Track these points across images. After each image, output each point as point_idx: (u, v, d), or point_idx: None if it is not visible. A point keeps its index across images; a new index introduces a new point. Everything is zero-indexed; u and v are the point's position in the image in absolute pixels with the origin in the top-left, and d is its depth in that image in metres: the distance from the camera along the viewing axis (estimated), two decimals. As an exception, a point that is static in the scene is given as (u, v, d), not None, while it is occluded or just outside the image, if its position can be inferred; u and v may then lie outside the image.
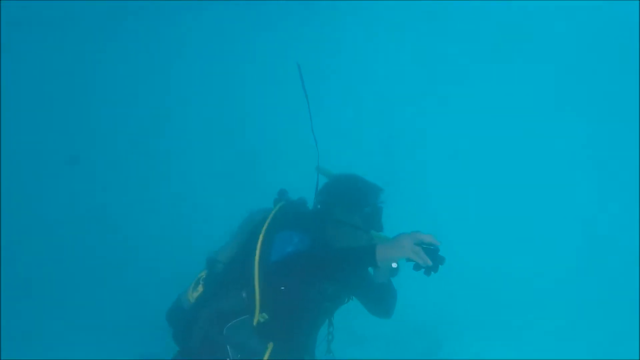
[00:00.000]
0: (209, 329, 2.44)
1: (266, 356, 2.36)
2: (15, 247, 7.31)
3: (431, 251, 1.97)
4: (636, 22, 14.47)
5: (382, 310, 2.70)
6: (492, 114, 16.63)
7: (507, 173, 16.05)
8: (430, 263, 1.95)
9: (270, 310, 2.36)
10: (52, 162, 9.96)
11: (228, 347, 2.39)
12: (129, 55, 12.05)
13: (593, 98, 16.47)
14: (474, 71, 16.55)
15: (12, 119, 9.87)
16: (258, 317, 2.36)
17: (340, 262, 2.16)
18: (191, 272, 2.79)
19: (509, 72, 16.46)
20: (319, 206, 2.59)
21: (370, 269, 2.40)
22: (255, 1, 12.48)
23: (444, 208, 14.04)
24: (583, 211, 14.94)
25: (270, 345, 2.37)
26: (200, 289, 2.62)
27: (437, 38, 15.93)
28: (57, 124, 10.62)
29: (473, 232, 12.80)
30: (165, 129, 12.24)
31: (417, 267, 1.99)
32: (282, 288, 2.27)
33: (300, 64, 2.64)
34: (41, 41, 10.99)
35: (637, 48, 14.90)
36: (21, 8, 10.04)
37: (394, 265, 2.06)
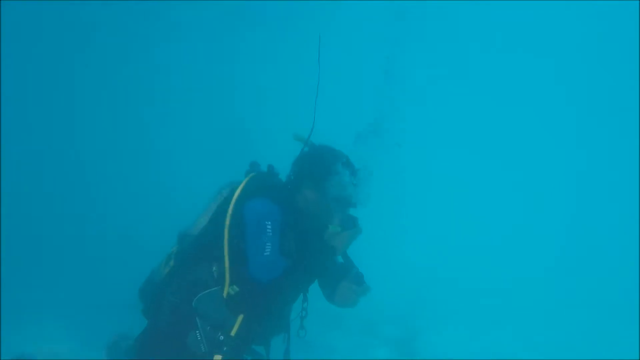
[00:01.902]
0: (178, 301, 2.41)
1: (235, 328, 2.34)
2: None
3: None
4: (636, 22, 14.76)
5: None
6: (488, 111, 16.97)
7: (492, 169, 16.36)
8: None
9: (240, 283, 2.34)
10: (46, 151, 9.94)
11: (197, 318, 2.36)
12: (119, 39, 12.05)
13: (591, 98, 16.85)
14: (472, 69, 16.87)
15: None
16: (228, 289, 2.34)
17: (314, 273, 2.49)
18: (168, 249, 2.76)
19: (505, 69, 16.78)
20: (292, 177, 2.59)
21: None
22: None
23: (427, 201, 14.25)
24: (563, 206, 15.30)
25: (240, 317, 2.35)
26: (171, 263, 2.59)
27: (436, 35, 16.17)
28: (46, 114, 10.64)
29: (455, 227, 13.00)
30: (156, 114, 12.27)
31: None
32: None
33: (321, 37, 2.66)
34: (36, 42, 11.06)
35: (637, 48, 15.21)
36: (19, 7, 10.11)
37: None
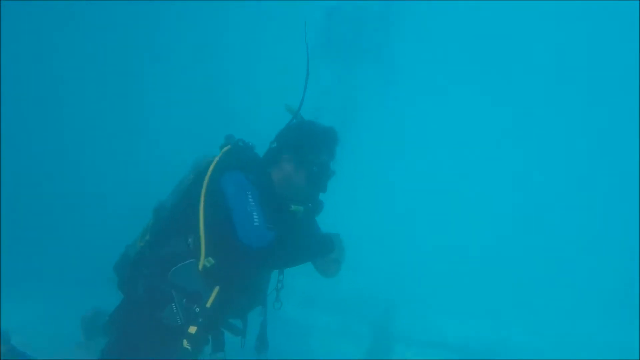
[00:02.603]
0: (154, 274, 2.42)
1: (211, 299, 2.36)
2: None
3: None
4: (636, 22, 14.94)
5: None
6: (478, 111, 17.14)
7: (476, 160, 16.57)
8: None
9: (216, 255, 2.36)
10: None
11: (173, 291, 2.38)
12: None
13: (586, 98, 17.05)
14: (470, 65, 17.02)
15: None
16: (204, 261, 2.35)
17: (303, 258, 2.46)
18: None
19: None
20: (275, 146, 2.58)
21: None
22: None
23: (408, 185, 14.41)
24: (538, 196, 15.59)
25: (216, 289, 2.37)
26: (147, 237, 2.59)
27: (429, 35, 16.25)
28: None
29: (434, 211, 13.18)
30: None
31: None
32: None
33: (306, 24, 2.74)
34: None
35: (637, 47, 15.40)
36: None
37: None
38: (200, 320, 2.35)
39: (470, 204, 14.28)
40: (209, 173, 2.39)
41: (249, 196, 2.32)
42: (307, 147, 2.51)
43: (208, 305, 2.35)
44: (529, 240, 11.94)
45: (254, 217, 2.26)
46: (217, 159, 2.46)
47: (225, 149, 2.54)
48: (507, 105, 17.47)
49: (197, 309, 2.36)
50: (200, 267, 2.35)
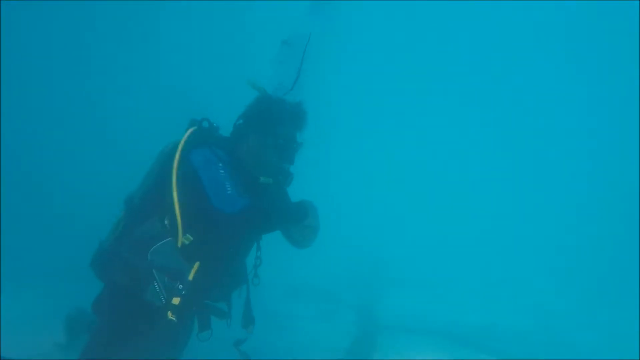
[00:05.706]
0: (133, 257, 2.44)
1: (191, 275, 2.38)
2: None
3: None
4: (636, 22, 15.43)
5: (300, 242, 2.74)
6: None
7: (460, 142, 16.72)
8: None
9: (194, 232, 2.39)
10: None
11: (154, 270, 2.39)
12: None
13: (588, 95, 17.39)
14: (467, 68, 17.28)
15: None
16: (182, 239, 2.38)
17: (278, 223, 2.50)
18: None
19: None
20: (241, 122, 2.62)
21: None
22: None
23: (383, 169, 14.51)
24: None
25: (196, 265, 2.40)
26: (120, 227, 2.60)
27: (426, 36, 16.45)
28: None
29: (411, 196, 13.28)
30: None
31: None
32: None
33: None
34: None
35: (637, 46, 15.85)
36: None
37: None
38: (183, 293, 2.36)
39: (457, 190, 14.38)
40: (177, 153, 2.44)
41: (220, 168, 2.37)
42: (273, 121, 2.57)
43: (190, 278, 2.38)
44: (517, 225, 12.03)
45: (227, 186, 2.32)
46: (184, 139, 2.50)
47: (191, 130, 2.57)
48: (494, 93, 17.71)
49: (180, 286, 2.39)
50: (179, 244, 2.38)
